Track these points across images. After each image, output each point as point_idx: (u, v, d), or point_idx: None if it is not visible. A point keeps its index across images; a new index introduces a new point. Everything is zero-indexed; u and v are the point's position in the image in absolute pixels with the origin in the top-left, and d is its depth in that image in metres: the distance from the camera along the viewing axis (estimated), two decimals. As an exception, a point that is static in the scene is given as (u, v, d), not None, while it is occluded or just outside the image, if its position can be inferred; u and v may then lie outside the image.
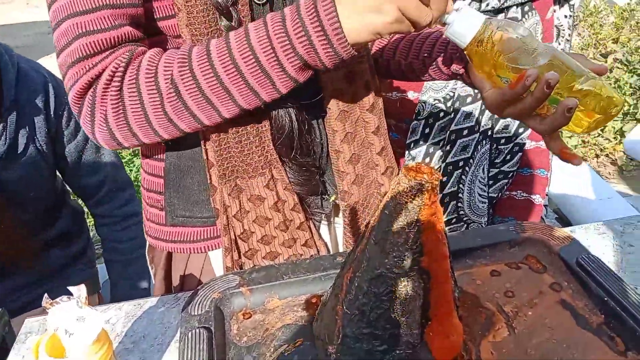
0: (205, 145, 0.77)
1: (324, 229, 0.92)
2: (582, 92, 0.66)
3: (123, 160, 3.16)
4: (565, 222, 1.84)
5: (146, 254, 0.94)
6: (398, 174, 0.54)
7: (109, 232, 1.31)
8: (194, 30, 0.70)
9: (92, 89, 0.67)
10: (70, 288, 0.56)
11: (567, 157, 0.72)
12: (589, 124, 0.68)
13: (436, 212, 0.53)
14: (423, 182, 0.52)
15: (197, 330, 0.65)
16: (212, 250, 0.86)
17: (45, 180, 1.19)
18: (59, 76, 1.19)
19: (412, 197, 0.52)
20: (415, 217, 0.52)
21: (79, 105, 0.69)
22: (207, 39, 0.69)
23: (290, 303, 0.73)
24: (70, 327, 0.54)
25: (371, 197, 0.88)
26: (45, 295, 0.55)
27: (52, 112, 1.15)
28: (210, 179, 0.78)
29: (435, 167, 1.18)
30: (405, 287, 0.54)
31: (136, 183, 2.99)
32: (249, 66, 0.65)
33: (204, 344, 0.63)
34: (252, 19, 0.73)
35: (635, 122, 3.44)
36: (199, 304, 0.70)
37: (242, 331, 0.69)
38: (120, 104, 0.67)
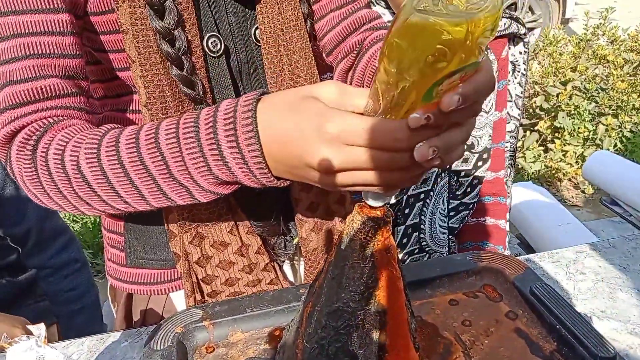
0: None
1: (287, 268, 0.93)
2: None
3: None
4: (527, 247, 1.89)
5: (107, 292, 0.93)
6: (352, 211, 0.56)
7: (46, 285, 1.24)
8: (146, 83, 0.68)
9: (10, 144, 0.65)
10: (30, 327, 0.56)
11: None
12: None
13: (390, 247, 0.55)
14: (376, 219, 0.54)
15: (160, 366, 0.65)
16: (174, 291, 0.86)
17: None
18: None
19: (366, 233, 0.54)
20: (370, 253, 0.54)
21: (3, 156, 0.67)
22: (181, 112, 0.65)
23: (254, 336, 0.74)
24: (29, 366, 0.54)
25: (330, 243, 0.89)
26: (4, 335, 0.55)
27: None
28: (168, 225, 0.77)
29: (393, 200, 1.22)
30: (362, 320, 0.56)
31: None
32: (161, 173, 0.60)
33: (165, 380, 0.63)
34: (207, 70, 0.73)
35: (595, 147, 3.56)
36: (161, 339, 0.71)
37: (205, 365, 0.69)
38: (34, 172, 0.64)
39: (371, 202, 0.55)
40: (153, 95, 0.69)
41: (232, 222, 0.78)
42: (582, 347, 0.67)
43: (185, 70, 0.70)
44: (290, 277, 0.93)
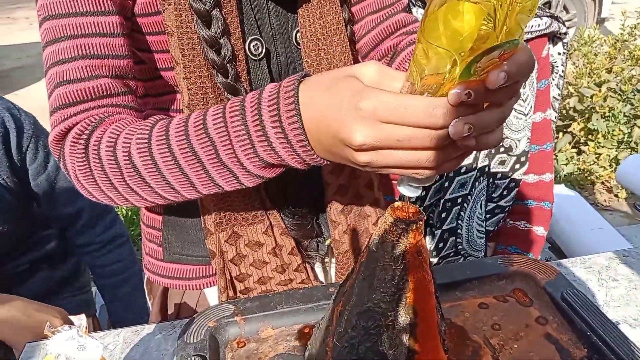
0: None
1: (319, 269, 0.94)
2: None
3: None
4: (558, 252, 1.86)
5: (144, 284, 0.96)
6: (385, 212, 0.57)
7: (93, 259, 1.31)
8: (189, 85, 0.70)
9: (63, 142, 0.67)
10: (72, 317, 0.58)
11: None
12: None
13: (421, 250, 0.56)
14: (408, 222, 0.54)
15: (194, 358, 0.67)
16: (208, 287, 0.88)
17: (13, 213, 1.18)
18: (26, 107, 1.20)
19: (398, 235, 0.55)
20: (401, 255, 0.55)
21: (57, 152, 0.69)
22: (187, 115, 0.65)
23: (284, 332, 0.75)
24: (71, 354, 0.56)
25: (362, 245, 0.89)
26: (47, 323, 0.58)
27: (13, 146, 1.16)
28: (205, 223, 0.79)
29: (428, 202, 1.22)
30: (392, 321, 0.57)
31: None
32: (209, 158, 0.61)
33: (198, 373, 0.65)
34: (248, 73, 0.75)
35: (629, 150, 3.49)
36: (194, 332, 0.72)
37: (236, 359, 0.71)
38: (86, 165, 0.66)
39: (405, 191, 0.55)
40: (195, 97, 0.70)
41: (268, 223, 0.80)
42: (613, 354, 0.66)
43: (229, 77, 0.71)
44: (322, 277, 0.94)
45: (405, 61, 0.80)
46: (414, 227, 0.55)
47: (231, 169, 0.61)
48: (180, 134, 0.61)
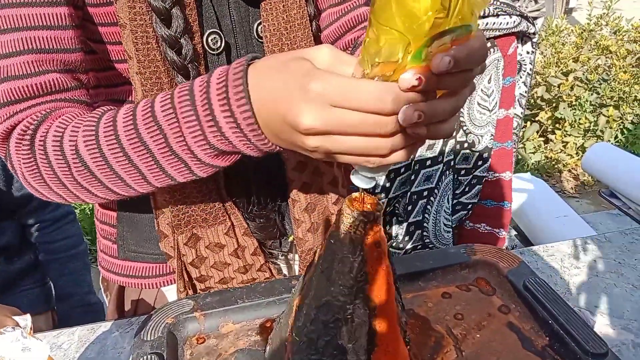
0: (153, 194, 0.74)
1: (282, 265, 0.92)
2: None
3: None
4: (524, 239, 1.89)
5: (100, 282, 0.93)
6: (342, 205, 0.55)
7: (42, 236, 1.30)
8: (144, 80, 0.66)
9: (9, 140, 0.64)
10: (16, 318, 0.56)
11: None
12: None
13: (380, 241, 0.54)
14: (366, 213, 0.53)
15: (149, 356, 0.65)
16: (165, 286, 0.85)
17: None
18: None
19: (355, 227, 0.53)
20: (359, 247, 0.54)
21: (3, 152, 0.66)
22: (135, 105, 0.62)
23: (245, 327, 0.73)
24: (15, 356, 0.54)
25: None
26: (-10, 325, 0.55)
27: None
28: (159, 226, 0.76)
29: (394, 194, 1.21)
30: (351, 314, 0.56)
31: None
32: (159, 147, 0.58)
33: (155, 371, 0.63)
34: (207, 69, 0.72)
35: (595, 138, 3.55)
36: (152, 329, 0.70)
37: (195, 356, 0.69)
38: (33, 163, 0.63)
39: (358, 182, 0.53)
40: (150, 93, 0.67)
41: (229, 224, 0.77)
42: (574, 342, 0.66)
43: (184, 55, 0.67)
44: (285, 272, 0.93)
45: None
46: (372, 218, 0.53)
47: (183, 158, 0.58)
48: (128, 123, 0.58)
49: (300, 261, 0.86)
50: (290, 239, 0.88)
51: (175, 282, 0.83)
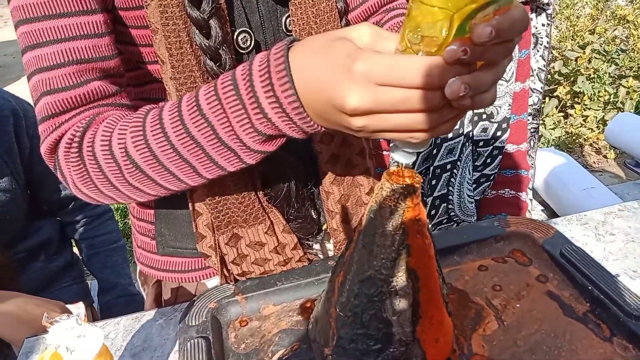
0: (191, 197, 0.75)
1: (319, 256, 0.93)
2: None
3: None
4: (550, 213, 1.87)
5: (137, 276, 0.95)
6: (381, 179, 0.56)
7: (84, 232, 1.35)
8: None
9: (56, 151, 0.64)
10: (70, 306, 0.57)
11: None
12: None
13: (420, 214, 0.55)
14: (405, 186, 0.54)
15: (196, 340, 0.67)
16: (205, 279, 0.86)
17: (20, 201, 1.19)
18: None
19: (395, 200, 0.54)
20: (400, 220, 0.54)
21: (52, 163, 0.67)
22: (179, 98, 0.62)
23: (286, 308, 0.74)
24: (72, 344, 0.55)
25: (354, 213, 0.87)
26: (45, 314, 0.57)
27: (24, 135, 1.16)
28: (197, 228, 0.76)
29: (417, 171, 1.21)
30: (394, 287, 0.56)
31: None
32: (208, 138, 0.58)
33: (202, 353, 0.65)
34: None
35: (616, 110, 3.50)
36: (196, 315, 0.72)
37: (240, 339, 0.70)
38: (83, 169, 0.63)
39: (400, 157, 0.53)
40: (177, 69, 0.66)
41: (269, 223, 0.78)
42: (615, 306, 0.66)
43: (222, 64, 0.67)
44: (321, 256, 0.93)
45: (391, 29, 0.78)
46: (411, 191, 0.54)
47: (232, 147, 0.59)
48: (174, 118, 0.59)
49: (335, 252, 0.86)
50: (324, 227, 0.88)
51: (214, 275, 0.84)
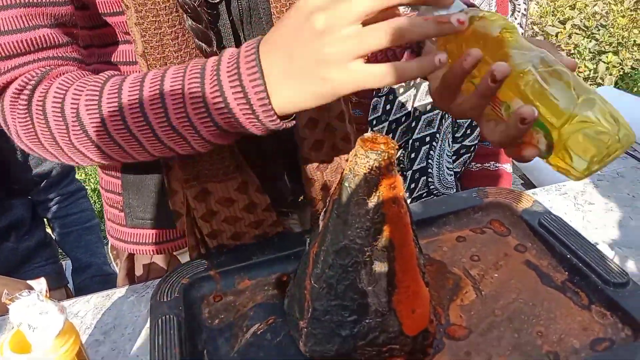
0: None
1: (295, 229, 0.91)
2: (576, 122, 0.47)
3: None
4: (530, 186, 1.87)
5: (109, 250, 0.92)
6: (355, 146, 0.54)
7: (58, 210, 1.33)
8: (143, 31, 0.63)
9: (1, 97, 0.62)
10: (31, 282, 0.55)
11: (516, 155, 0.57)
12: (588, 163, 0.48)
13: (395, 181, 0.53)
14: (380, 152, 0.52)
15: (167, 317, 0.65)
16: (176, 250, 0.84)
17: None
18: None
19: (370, 167, 0.52)
20: (375, 188, 0.52)
21: None
22: (180, 62, 0.64)
23: (261, 282, 0.73)
24: (34, 321, 0.53)
25: None
26: (5, 291, 0.54)
27: None
28: (169, 182, 0.74)
29: (396, 143, 1.19)
30: (369, 257, 0.55)
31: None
32: (159, 121, 0.57)
33: (174, 329, 0.63)
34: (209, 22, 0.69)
35: (596, 85, 3.51)
36: (168, 291, 0.70)
37: (214, 314, 0.68)
38: (29, 122, 0.61)
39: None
40: (149, 44, 0.64)
41: (240, 180, 0.75)
42: (594, 274, 0.66)
43: (202, 22, 0.65)
44: (297, 225, 0.92)
45: None
46: (386, 158, 0.52)
47: (183, 134, 0.58)
48: (134, 92, 0.57)
49: (313, 222, 0.85)
50: (300, 198, 0.86)
51: (186, 246, 0.82)
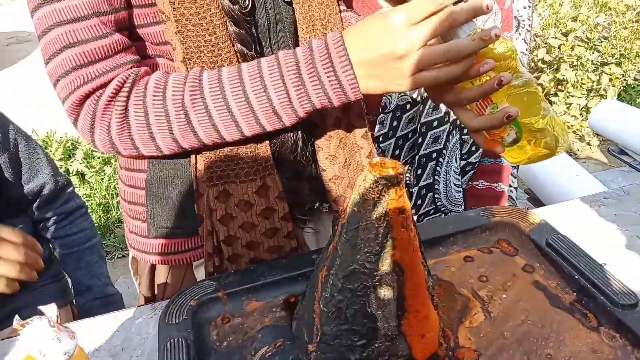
0: (196, 153, 0.76)
1: (310, 238, 0.92)
2: (537, 129, 0.68)
3: (94, 170, 3.11)
4: (536, 201, 1.87)
5: (129, 265, 0.93)
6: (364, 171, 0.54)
7: (56, 231, 1.29)
8: (183, 39, 0.69)
9: (92, 100, 0.68)
10: (42, 308, 0.55)
11: (489, 145, 0.72)
12: (530, 156, 0.70)
13: (404, 205, 0.53)
14: (388, 177, 0.52)
15: (176, 339, 0.65)
16: (196, 260, 0.85)
17: None
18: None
19: (379, 192, 0.52)
20: (384, 212, 0.53)
21: (75, 114, 0.70)
22: (218, 66, 0.71)
23: (269, 304, 0.73)
24: (44, 347, 0.53)
25: None
26: (16, 317, 0.54)
27: None
28: (197, 185, 0.77)
29: (403, 160, 1.19)
30: (379, 281, 0.55)
31: (107, 191, 2.95)
32: (262, 106, 0.68)
33: (183, 353, 0.63)
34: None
35: (599, 97, 3.51)
36: (176, 313, 0.70)
37: (222, 336, 0.68)
38: (124, 121, 0.68)
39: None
40: (191, 51, 0.70)
41: (261, 183, 0.78)
42: (602, 295, 0.66)
43: (244, 29, 0.72)
44: (312, 244, 0.92)
45: None
46: (395, 182, 0.52)
47: (279, 113, 0.69)
48: (235, 82, 0.68)
49: (334, 226, 0.86)
50: (316, 205, 0.88)
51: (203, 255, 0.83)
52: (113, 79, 0.68)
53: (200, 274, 0.86)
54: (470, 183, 1.32)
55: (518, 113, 0.65)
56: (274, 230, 0.80)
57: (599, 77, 3.52)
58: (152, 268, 0.90)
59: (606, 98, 3.45)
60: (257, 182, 0.77)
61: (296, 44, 0.80)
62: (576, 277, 0.70)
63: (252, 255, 0.81)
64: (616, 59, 3.58)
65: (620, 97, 3.51)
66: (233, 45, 0.72)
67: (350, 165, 0.86)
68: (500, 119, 0.65)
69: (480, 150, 1.28)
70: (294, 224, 0.82)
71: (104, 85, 0.68)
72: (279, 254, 0.82)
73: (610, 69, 3.49)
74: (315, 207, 0.88)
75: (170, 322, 0.68)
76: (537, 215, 0.81)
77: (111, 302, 1.28)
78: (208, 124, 0.69)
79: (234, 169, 0.76)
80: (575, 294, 0.69)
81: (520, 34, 1.26)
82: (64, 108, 0.70)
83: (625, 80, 3.56)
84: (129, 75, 0.69)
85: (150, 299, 0.91)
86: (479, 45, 0.62)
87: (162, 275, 0.89)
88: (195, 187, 0.77)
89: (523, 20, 1.25)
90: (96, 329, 0.76)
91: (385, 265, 0.54)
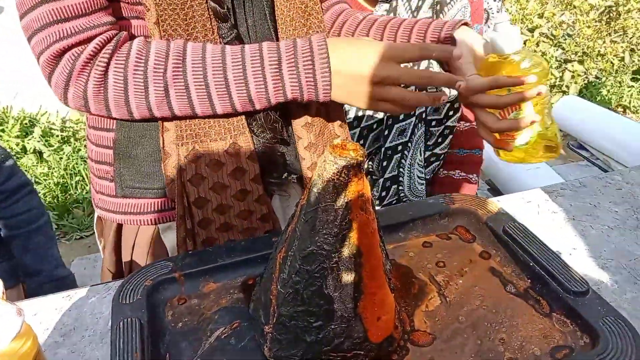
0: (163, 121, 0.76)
1: (278, 204, 0.91)
2: (548, 135, 0.78)
3: (52, 148, 3.03)
4: (497, 192, 1.91)
5: (94, 226, 0.91)
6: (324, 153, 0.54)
7: (1, 211, 1.22)
8: (157, 0, 0.69)
9: (69, 57, 0.68)
10: (-14, 284, 0.53)
11: (501, 144, 0.79)
12: (526, 157, 0.80)
13: (363, 188, 0.53)
14: (349, 159, 0.52)
15: (129, 319, 0.63)
16: (163, 222, 0.84)
17: None
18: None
19: (339, 174, 0.52)
20: (343, 195, 0.52)
21: (50, 69, 0.69)
22: (203, 42, 0.73)
23: (226, 286, 0.72)
24: (-11, 324, 0.51)
25: None
26: (-41, 293, 0.52)
27: None
28: (163, 144, 0.76)
29: (368, 151, 1.20)
30: (336, 263, 0.55)
31: (65, 171, 2.87)
32: (239, 92, 0.72)
33: (136, 332, 0.61)
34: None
35: (561, 93, 3.60)
36: (130, 292, 0.68)
37: (177, 317, 0.67)
38: (102, 84, 0.69)
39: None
40: (165, 13, 0.70)
41: (231, 142, 0.77)
42: (555, 282, 0.67)
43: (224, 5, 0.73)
44: (280, 214, 0.91)
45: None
46: (355, 165, 0.52)
47: (253, 100, 0.73)
48: (217, 61, 0.71)
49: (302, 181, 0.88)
50: (285, 175, 0.87)
51: (173, 219, 0.82)
52: (92, 38, 0.68)
53: (167, 239, 0.85)
54: (445, 172, 1.34)
55: (539, 119, 0.75)
56: (244, 192, 0.79)
57: (562, 73, 3.60)
58: (118, 229, 0.88)
59: (568, 94, 3.53)
60: (228, 140, 0.77)
61: (272, 11, 0.80)
62: (531, 264, 0.71)
63: (223, 221, 0.80)
64: (579, 56, 3.66)
65: (581, 94, 3.60)
66: (207, 5, 0.73)
67: (324, 134, 0.87)
68: (524, 124, 0.74)
69: (448, 141, 1.30)
70: (265, 189, 0.82)
71: (81, 42, 0.68)
72: (249, 221, 0.81)
73: (573, 66, 3.57)
74: (284, 177, 0.87)
75: (125, 302, 0.67)
76: (496, 203, 0.82)
77: (63, 285, 1.24)
78: (185, 100, 0.71)
79: (204, 128, 0.76)
80: (529, 281, 0.71)
81: (489, 26, 1.28)
82: (39, 63, 0.70)
83: (587, 77, 3.65)
84: (110, 38, 0.69)
85: (115, 263, 0.89)
86: (433, 102, 0.76)
87: (128, 237, 0.87)
88: (162, 146, 0.76)
89: (493, 13, 1.27)
90: (47, 309, 0.74)
91: (344, 247, 0.54)
